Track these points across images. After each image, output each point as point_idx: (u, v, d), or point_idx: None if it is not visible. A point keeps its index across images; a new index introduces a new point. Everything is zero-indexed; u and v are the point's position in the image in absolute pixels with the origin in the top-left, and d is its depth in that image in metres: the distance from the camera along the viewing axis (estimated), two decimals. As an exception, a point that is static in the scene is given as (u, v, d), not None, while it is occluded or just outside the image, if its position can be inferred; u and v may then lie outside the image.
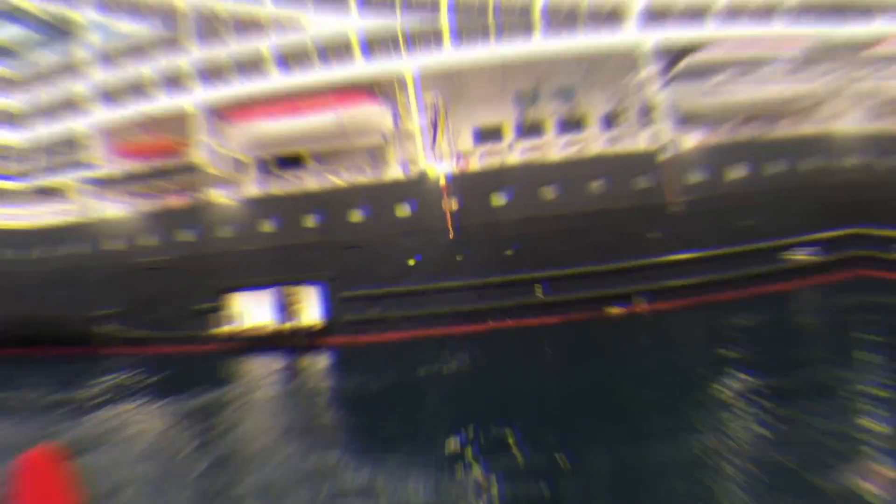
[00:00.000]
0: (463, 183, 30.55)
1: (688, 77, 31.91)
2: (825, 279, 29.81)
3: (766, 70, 31.89)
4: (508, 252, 29.98)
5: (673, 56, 32.68)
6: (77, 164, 36.92)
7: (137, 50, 37.23)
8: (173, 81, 36.03)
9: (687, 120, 33.51)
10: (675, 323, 26.78)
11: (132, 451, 16.06)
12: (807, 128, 32.88)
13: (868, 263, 30.46)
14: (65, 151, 37.94)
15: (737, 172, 30.61)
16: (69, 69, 38.67)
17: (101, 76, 37.35)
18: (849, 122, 33.15)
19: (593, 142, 33.69)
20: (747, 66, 31.99)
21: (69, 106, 38.44)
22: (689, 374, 17.91)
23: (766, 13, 33.51)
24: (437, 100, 32.51)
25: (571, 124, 35.87)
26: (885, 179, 31.57)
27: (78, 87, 37.95)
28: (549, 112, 35.64)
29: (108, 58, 37.80)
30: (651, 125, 32.24)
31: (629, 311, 29.38)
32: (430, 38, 33.28)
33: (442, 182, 29.99)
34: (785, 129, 32.60)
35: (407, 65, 32.59)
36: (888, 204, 30.73)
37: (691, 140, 31.80)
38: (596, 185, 29.96)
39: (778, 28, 32.99)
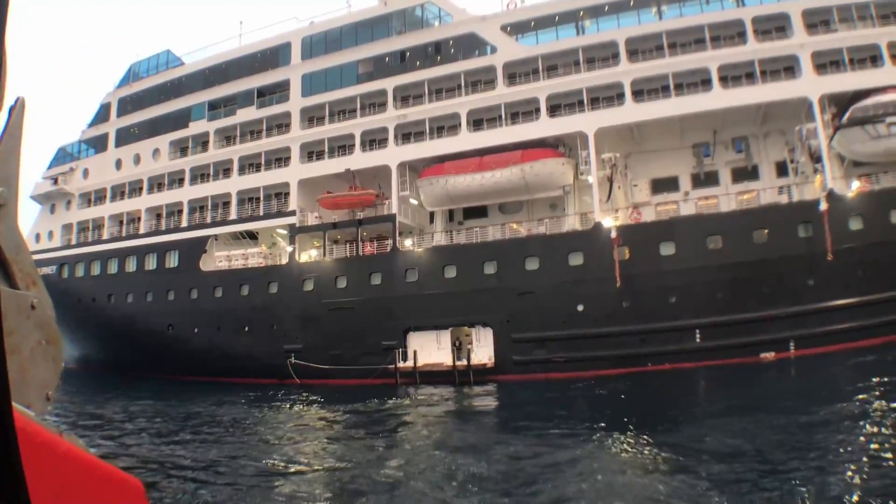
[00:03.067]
0: (634, 234, 38.82)
1: (857, 123, 37.63)
2: None
3: None
4: (672, 299, 36.71)
5: (843, 103, 39.17)
6: (280, 213, 47.32)
7: (341, 110, 48.81)
8: (372, 139, 47.01)
9: (855, 166, 39.77)
10: (824, 368, 32.71)
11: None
12: None
13: None
14: (269, 200, 48.69)
15: None
16: (275, 124, 51.45)
17: (305, 132, 49.85)
18: None
19: (762, 192, 39.75)
20: None
21: (275, 158, 50.79)
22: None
23: None
24: (615, 156, 40.98)
25: (745, 174, 43.00)
26: None
27: (282, 141, 50.63)
28: (723, 162, 43.26)
29: (310, 115, 50.11)
30: (820, 172, 38.78)
31: (781, 355, 35.92)
32: (611, 95, 42.40)
33: (614, 233, 37.05)
34: None
35: (588, 121, 41.87)
36: None
37: (858, 186, 38.10)
38: (760, 235, 36.97)
39: None
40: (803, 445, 18.51)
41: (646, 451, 19.74)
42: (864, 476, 15.13)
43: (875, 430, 19.48)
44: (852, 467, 15.78)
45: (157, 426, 30.04)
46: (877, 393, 24.89)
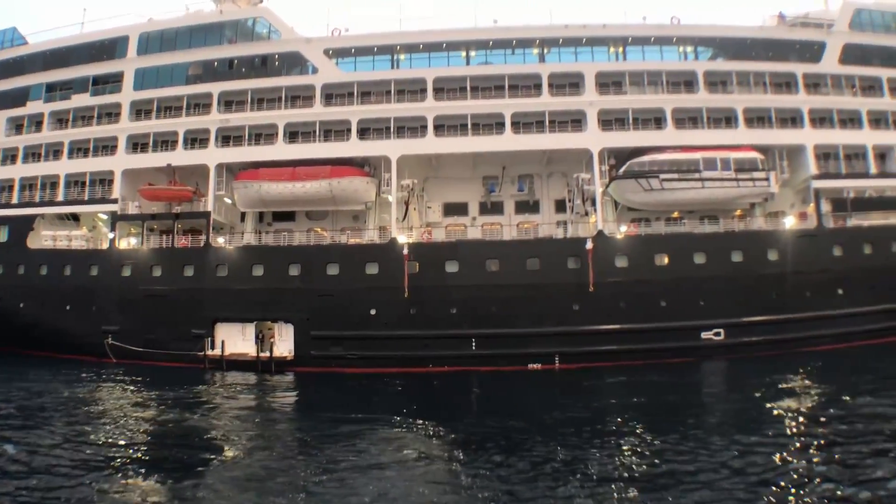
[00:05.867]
0: (423, 251, 40.34)
1: (632, 176, 40.83)
2: (731, 357, 38.51)
3: (706, 173, 40.03)
4: (453, 311, 38.41)
5: (623, 156, 42.32)
6: (103, 199, 46.19)
7: (168, 107, 47.52)
8: (195, 138, 46.25)
9: (629, 211, 43.21)
10: (576, 380, 35.59)
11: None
12: (738, 225, 42.12)
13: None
14: (94, 185, 47.38)
15: (663, 261, 39.72)
16: (106, 113, 49.25)
17: (133, 124, 47.94)
18: (780, 223, 42.12)
19: (542, 224, 42.38)
20: (688, 170, 40.98)
21: (102, 146, 48.64)
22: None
23: (716, 122, 43.48)
24: (413, 182, 42.60)
25: (527, 207, 45.79)
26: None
27: (111, 130, 48.34)
28: (508, 195, 45.68)
29: (140, 108, 48.35)
30: (593, 214, 41.66)
31: (546, 367, 38.63)
32: (415, 126, 43.54)
33: (406, 249, 38.15)
34: (717, 227, 41.80)
35: (392, 148, 42.94)
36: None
37: (627, 229, 41.43)
38: (534, 262, 39.38)
39: (721, 136, 42.46)
40: (547, 438, 22.60)
41: (412, 435, 23.80)
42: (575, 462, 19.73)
43: (603, 433, 23.66)
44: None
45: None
46: (615, 405, 29.10)
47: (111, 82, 48.59)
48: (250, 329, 42.19)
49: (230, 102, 46.21)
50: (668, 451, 20.37)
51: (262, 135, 45.21)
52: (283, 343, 41.46)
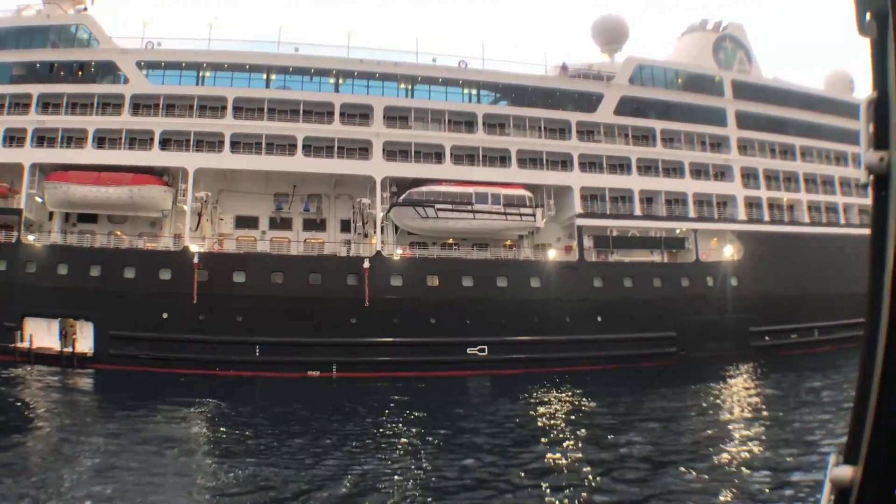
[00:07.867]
0: (213, 261, 41.79)
1: (410, 204, 42.36)
2: (493, 372, 40.91)
3: (478, 206, 42.03)
4: (239, 318, 39.69)
5: (405, 185, 44.42)
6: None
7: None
8: (13, 136, 46.03)
9: (409, 235, 45.25)
10: (347, 386, 38.27)
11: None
12: (508, 254, 44.95)
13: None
14: None
15: (434, 282, 41.82)
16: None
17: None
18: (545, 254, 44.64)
19: (329, 242, 44.57)
20: (461, 202, 43.27)
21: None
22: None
23: (492, 160, 45.49)
24: (206, 194, 43.94)
25: (314, 224, 47.35)
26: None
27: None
28: (297, 212, 47.18)
29: None
30: (373, 236, 43.60)
31: (325, 375, 40.46)
32: (213, 141, 44.31)
33: (196, 258, 39.28)
34: (486, 254, 44.31)
35: (190, 160, 44.05)
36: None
37: (402, 252, 43.37)
38: (316, 277, 41.26)
39: (495, 174, 44.58)
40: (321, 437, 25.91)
41: (185, 422, 28.28)
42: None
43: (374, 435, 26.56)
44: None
45: None
46: (385, 411, 31.25)
47: (-57, 76, 48.43)
48: (55, 325, 42.84)
49: (48, 104, 46.45)
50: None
51: (74, 138, 45.70)
52: (85, 340, 42.34)
